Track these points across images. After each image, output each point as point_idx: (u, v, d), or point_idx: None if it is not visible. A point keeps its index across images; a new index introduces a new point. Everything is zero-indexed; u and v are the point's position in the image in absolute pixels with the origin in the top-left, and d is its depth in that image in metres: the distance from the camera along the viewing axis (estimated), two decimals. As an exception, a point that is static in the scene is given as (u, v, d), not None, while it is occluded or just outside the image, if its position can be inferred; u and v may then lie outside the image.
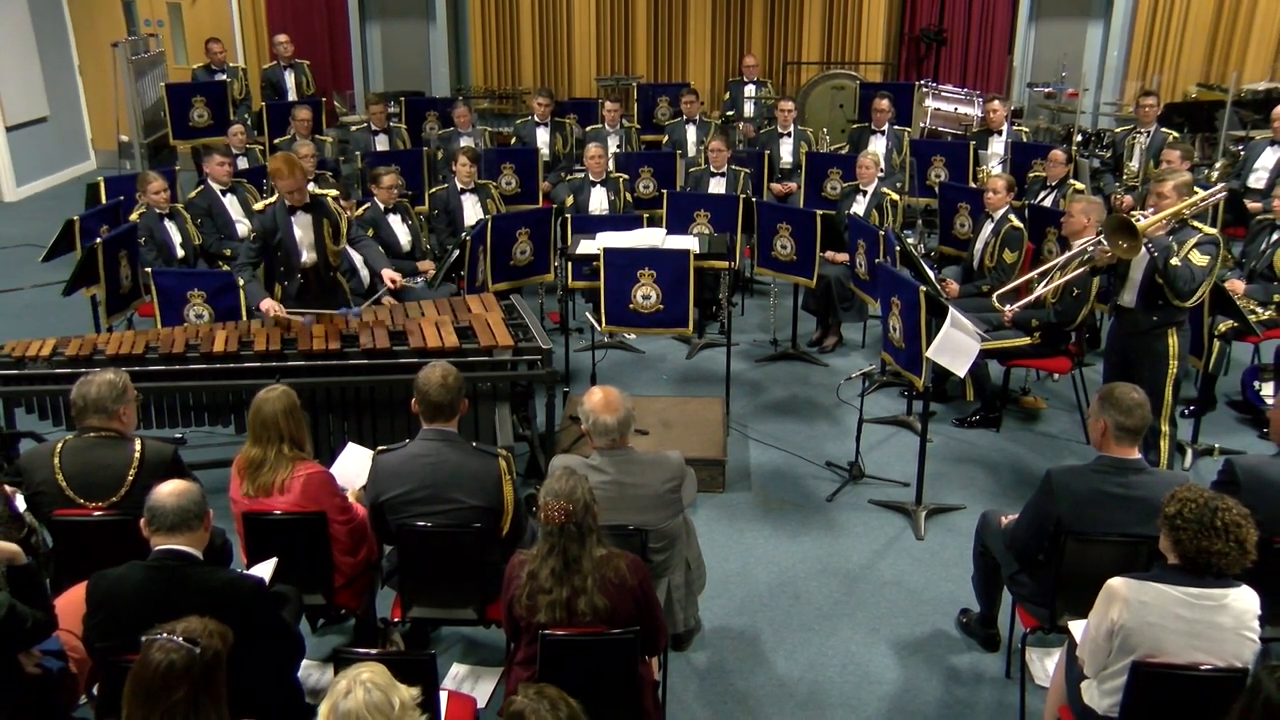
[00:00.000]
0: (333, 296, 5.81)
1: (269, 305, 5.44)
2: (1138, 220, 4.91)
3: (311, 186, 5.80)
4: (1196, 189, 5.26)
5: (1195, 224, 5.10)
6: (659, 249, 6.01)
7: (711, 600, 4.61)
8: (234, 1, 12.49)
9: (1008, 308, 5.85)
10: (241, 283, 5.66)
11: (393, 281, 5.65)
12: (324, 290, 5.79)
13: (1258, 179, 7.89)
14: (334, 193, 5.99)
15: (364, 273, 6.63)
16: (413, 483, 3.78)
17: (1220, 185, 5.97)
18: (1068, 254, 5.62)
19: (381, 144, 9.40)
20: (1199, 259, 4.94)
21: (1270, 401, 5.85)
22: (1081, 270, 5.49)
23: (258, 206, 5.79)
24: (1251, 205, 7.40)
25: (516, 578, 3.26)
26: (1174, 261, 4.89)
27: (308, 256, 5.72)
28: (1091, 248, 5.33)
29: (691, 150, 9.40)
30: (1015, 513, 4.03)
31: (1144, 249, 4.95)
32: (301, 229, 5.68)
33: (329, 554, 3.87)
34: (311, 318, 5.45)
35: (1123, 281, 5.20)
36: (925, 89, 10.73)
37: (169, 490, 3.13)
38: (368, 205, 7.07)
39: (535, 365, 5.28)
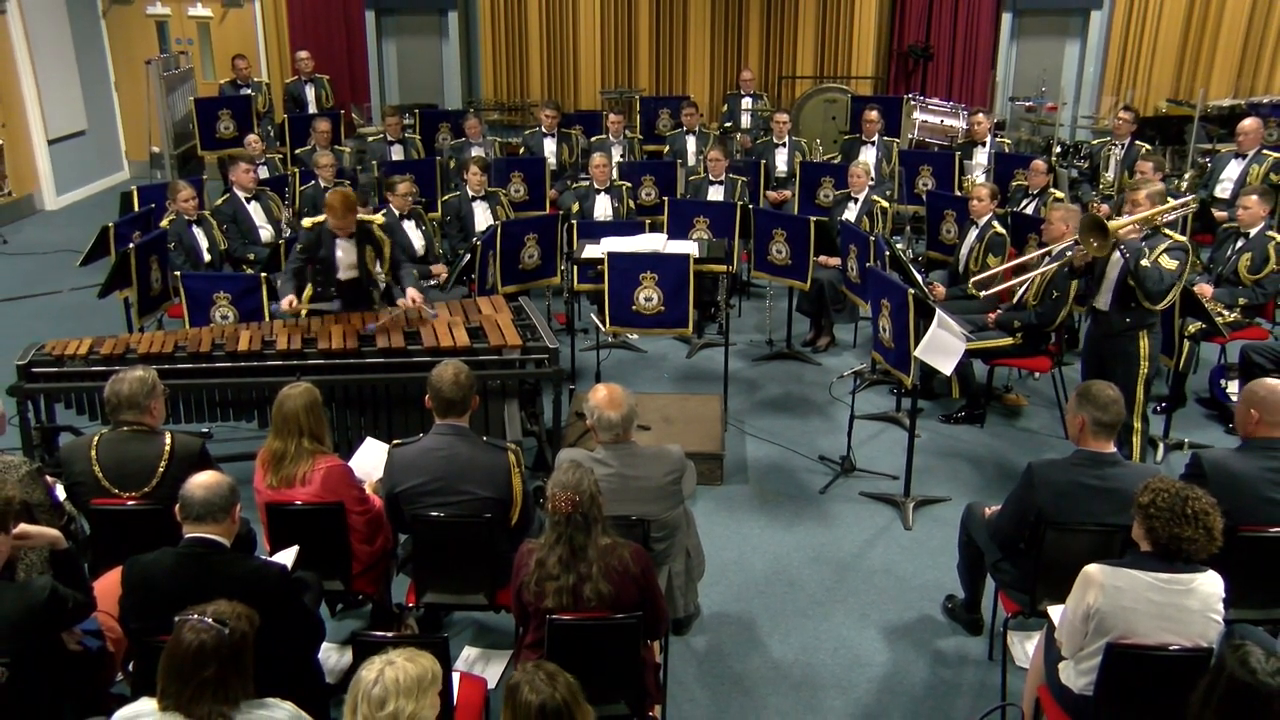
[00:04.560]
0: (364, 307, 5.84)
1: (288, 302, 5.49)
2: (1111, 221, 4.93)
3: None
4: (1169, 199, 5.28)
5: (1167, 231, 5.11)
6: (660, 253, 6.01)
7: (710, 587, 4.62)
8: (259, 20, 12.52)
9: (984, 293, 5.90)
10: (279, 282, 5.70)
11: (413, 301, 5.66)
12: (356, 300, 5.84)
13: (1223, 189, 7.91)
14: (379, 219, 6.00)
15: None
16: (426, 475, 3.79)
17: (1191, 197, 5.99)
18: (1041, 251, 5.65)
19: (397, 154, 9.41)
20: (1168, 263, 4.95)
21: (1236, 398, 5.85)
22: (1061, 268, 5.51)
23: (306, 223, 5.78)
24: (1218, 214, 7.42)
25: (525, 565, 3.27)
26: (1144, 263, 4.91)
27: (345, 274, 5.78)
28: (1070, 251, 5.35)
29: (691, 159, 9.40)
30: (998, 504, 4.04)
31: (1117, 252, 4.97)
32: (344, 251, 5.75)
33: (347, 542, 3.89)
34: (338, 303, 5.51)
35: (1099, 285, 5.22)
36: (913, 102, 10.73)
37: (200, 482, 3.15)
38: (384, 212, 7.07)
39: (543, 364, 5.28)
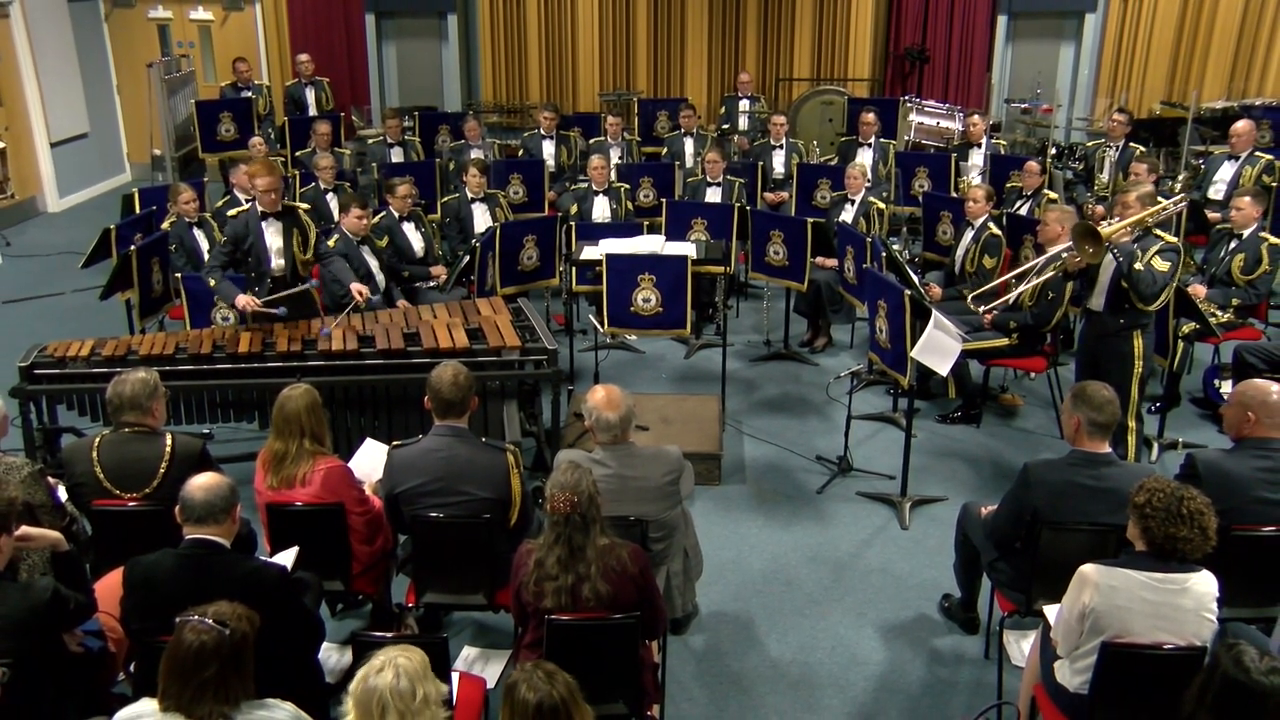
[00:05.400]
0: (301, 303, 5.72)
1: (245, 301, 5.36)
2: (1103, 227, 4.93)
3: (334, 199, 5.75)
4: (1160, 199, 5.28)
5: (1158, 232, 5.11)
6: (658, 255, 6.01)
7: (708, 587, 4.62)
8: (259, 23, 12.51)
9: (983, 309, 5.86)
10: (213, 283, 5.51)
11: (360, 294, 5.59)
12: (292, 296, 5.68)
13: (1216, 191, 7.92)
14: (306, 205, 5.94)
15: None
16: (426, 476, 3.79)
17: (1180, 195, 5.98)
18: (1043, 258, 5.64)
19: (397, 156, 9.40)
20: (1161, 265, 4.95)
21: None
22: (1054, 274, 5.51)
23: (231, 213, 5.74)
24: (1211, 215, 7.42)
25: (524, 565, 3.27)
26: (1137, 266, 4.90)
27: (277, 263, 5.63)
28: (1065, 254, 5.34)
29: (689, 161, 9.40)
30: (994, 504, 4.04)
31: (1110, 254, 4.96)
32: (272, 235, 5.60)
33: (347, 543, 3.88)
34: (284, 309, 5.43)
35: (1092, 286, 5.21)
36: (909, 104, 10.73)
37: (199, 484, 3.14)
38: (383, 214, 7.06)
39: (541, 365, 5.28)
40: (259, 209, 5.55)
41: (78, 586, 3.19)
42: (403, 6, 12.96)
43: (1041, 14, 12.29)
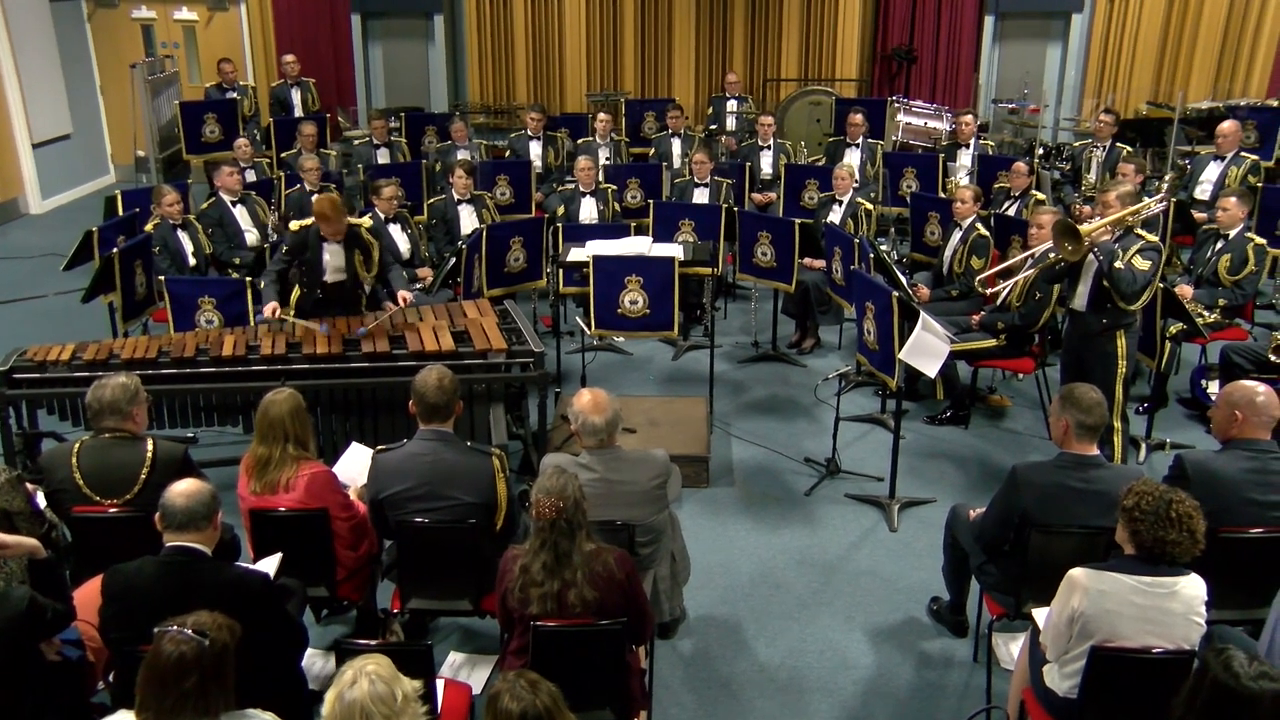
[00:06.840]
0: (351, 310, 5.80)
1: (271, 309, 5.45)
2: (1083, 226, 4.93)
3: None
4: (1144, 198, 5.28)
5: (1140, 232, 5.11)
6: (646, 256, 5.99)
7: (696, 591, 4.59)
8: (244, 24, 12.44)
9: (990, 291, 5.86)
10: (262, 285, 5.69)
11: (404, 301, 5.69)
12: (344, 304, 5.80)
13: (1203, 191, 7.94)
14: (367, 223, 5.98)
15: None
16: (411, 480, 3.76)
17: (1162, 195, 5.98)
18: (1029, 253, 5.64)
19: (383, 157, 9.35)
20: (1141, 264, 4.95)
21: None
22: (1037, 271, 5.50)
23: (294, 225, 5.80)
24: (1197, 215, 7.44)
25: (510, 571, 3.24)
26: (1117, 265, 4.91)
27: (331, 277, 5.76)
28: (1053, 254, 5.34)
29: (677, 162, 9.38)
30: (983, 506, 4.03)
31: (1091, 254, 4.96)
32: (331, 254, 5.73)
33: (332, 548, 3.85)
34: (327, 325, 5.40)
35: (1075, 287, 5.21)
36: (897, 104, 10.74)
37: (180, 490, 3.10)
38: (369, 215, 7.02)
39: (528, 367, 5.25)
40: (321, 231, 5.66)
41: (56, 595, 3.14)
42: (389, 7, 12.90)
43: (1028, 14, 12.33)
